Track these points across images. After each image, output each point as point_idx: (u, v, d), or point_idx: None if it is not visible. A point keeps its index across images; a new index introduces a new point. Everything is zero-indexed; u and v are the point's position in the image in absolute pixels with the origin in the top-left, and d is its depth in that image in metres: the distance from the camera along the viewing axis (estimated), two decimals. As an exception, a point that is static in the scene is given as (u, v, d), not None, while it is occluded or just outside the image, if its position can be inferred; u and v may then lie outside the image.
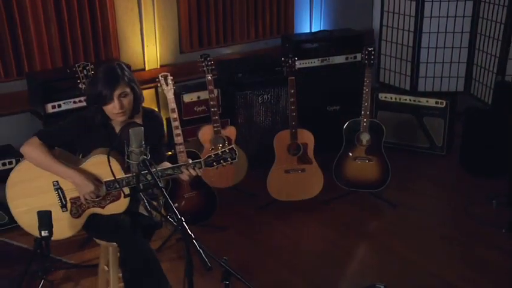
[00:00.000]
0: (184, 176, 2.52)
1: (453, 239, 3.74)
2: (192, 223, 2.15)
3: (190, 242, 2.03)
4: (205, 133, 4.01)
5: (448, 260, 3.51)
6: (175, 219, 2.08)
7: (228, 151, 2.55)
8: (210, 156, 2.54)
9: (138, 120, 2.62)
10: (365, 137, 4.08)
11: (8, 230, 3.81)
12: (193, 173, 2.51)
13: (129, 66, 2.72)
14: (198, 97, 4.37)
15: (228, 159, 2.55)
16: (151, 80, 4.20)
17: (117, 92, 2.51)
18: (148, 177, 2.34)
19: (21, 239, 3.72)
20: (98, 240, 2.72)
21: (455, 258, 3.53)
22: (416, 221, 3.97)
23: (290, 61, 3.95)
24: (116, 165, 2.42)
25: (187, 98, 4.34)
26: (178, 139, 3.64)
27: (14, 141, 3.81)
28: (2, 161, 3.73)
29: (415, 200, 4.24)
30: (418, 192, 4.37)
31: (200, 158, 2.55)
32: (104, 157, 2.33)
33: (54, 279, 3.36)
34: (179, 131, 3.65)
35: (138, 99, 2.60)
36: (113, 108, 2.52)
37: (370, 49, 4.04)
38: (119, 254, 2.70)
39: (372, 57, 4.03)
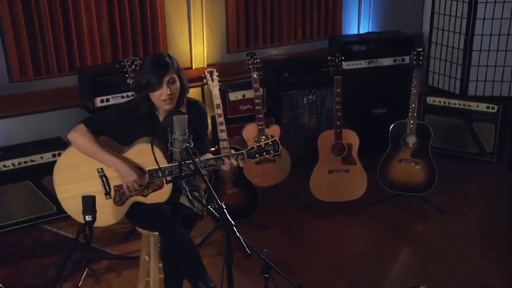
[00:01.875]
0: (226, 166, 2.52)
1: (499, 247, 3.62)
2: (233, 219, 2.13)
3: (231, 230, 2.02)
4: (250, 131, 4.01)
5: (491, 266, 3.40)
6: (216, 206, 2.08)
7: (271, 143, 2.54)
8: (253, 148, 2.54)
9: (183, 110, 2.64)
10: (411, 140, 4.00)
11: (56, 220, 3.92)
12: (234, 163, 2.51)
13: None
14: (244, 96, 4.39)
15: (271, 151, 2.54)
16: (198, 79, 4.24)
17: (166, 78, 2.54)
18: (191, 166, 2.36)
19: (68, 229, 3.83)
20: (139, 229, 2.75)
21: (499, 265, 3.42)
22: (462, 227, 3.86)
23: (337, 60, 3.92)
24: (159, 153, 2.45)
25: (233, 96, 4.37)
26: (223, 135, 3.66)
27: (64, 134, 3.91)
28: (52, 153, 3.84)
29: (462, 206, 4.12)
30: (466, 198, 4.24)
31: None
32: (148, 146, 2.36)
33: (97, 269, 3.42)
34: (223, 127, 3.67)
35: (184, 89, 2.63)
36: (160, 95, 2.55)
37: (419, 49, 3.96)
38: (159, 245, 2.72)
39: (421, 58, 3.95)
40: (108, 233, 3.81)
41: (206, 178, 2.19)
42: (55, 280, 3.09)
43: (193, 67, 4.63)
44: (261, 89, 4.03)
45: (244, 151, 2.54)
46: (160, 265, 2.79)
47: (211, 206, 2.24)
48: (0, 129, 4.03)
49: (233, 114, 4.38)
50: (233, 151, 2.57)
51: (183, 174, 2.24)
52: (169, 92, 2.54)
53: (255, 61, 3.97)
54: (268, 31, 4.89)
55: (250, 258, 2.16)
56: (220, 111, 3.68)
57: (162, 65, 2.54)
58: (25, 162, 3.77)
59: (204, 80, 3.76)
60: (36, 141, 3.98)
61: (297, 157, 4.31)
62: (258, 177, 4.01)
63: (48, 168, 3.66)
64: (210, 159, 2.53)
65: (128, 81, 3.71)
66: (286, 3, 4.86)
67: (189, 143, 2.25)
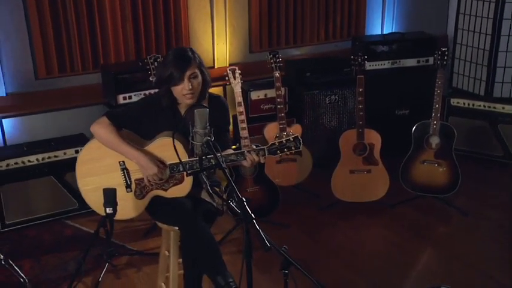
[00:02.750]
0: (247, 161, 2.51)
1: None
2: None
3: (251, 223, 2.01)
4: (271, 130, 4.00)
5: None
6: (237, 200, 2.07)
7: (292, 140, 2.52)
8: (274, 144, 2.53)
9: (204, 104, 2.64)
10: (435, 140, 3.95)
11: (78, 215, 3.96)
12: (255, 158, 2.50)
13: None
14: (265, 95, 4.39)
15: (292, 148, 2.53)
16: (220, 78, 4.24)
17: (188, 73, 2.54)
18: (212, 161, 2.36)
19: (90, 224, 3.86)
20: (159, 224, 2.75)
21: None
22: (486, 230, 3.79)
23: (360, 59, 3.89)
24: (180, 147, 2.45)
25: (255, 95, 4.37)
26: (244, 133, 3.66)
27: (87, 131, 3.95)
28: (75, 149, 3.88)
29: (486, 209, 4.04)
30: (490, 201, 4.17)
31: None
32: (169, 139, 2.36)
33: (118, 264, 3.44)
34: (245, 125, 3.67)
35: (205, 84, 2.63)
36: (182, 89, 2.55)
37: (443, 49, 3.91)
38: (179, 240, 2.72)
39: (446, 57, 3.90)
40: (128, 229, 3.84)
41: (227, 171, 2.18)
42: (75, 273, 3.11)
43: (216, 66, 4.64)
44: (282, 89, 4.01)
45: (265, 147, 2.53)
46: (180, 260, 2.79)
47: (231, 201, 2.23)
48: (25, 126, 4.10)
49: (255, 113, 4.38)
50: (254, 146, 2.56)
51: (203, 167, 2.23)
52: (190, 87, 2.55)
53: (278, 60, 3.95)
54: (291, 31, 4.88)
55: (270, 255, 2.14)
56: (241, 109, 3.68)
57: (184, 59, 2.55)
58: (48, 157, 3.82)
59: (226, 78, 3.76)
60: (59, 138, 4.03)
61: (318, 157, 4.29)
62: (278, 176, 4.00)
63: (71, 164, 3.67)
64: (231, 154, 2.52)
65: (150, 78, 3.73)
66: (309, 3, 4.85)
67: (210, 136, 2.25)
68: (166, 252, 2.91)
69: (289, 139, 2.52)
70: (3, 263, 3.19)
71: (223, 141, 2.66)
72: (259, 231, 2.01)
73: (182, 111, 2.65)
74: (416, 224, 3.88)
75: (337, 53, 4.99)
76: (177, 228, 2.63)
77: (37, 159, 3.79)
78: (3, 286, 3.23)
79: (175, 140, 2.31)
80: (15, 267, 3.20)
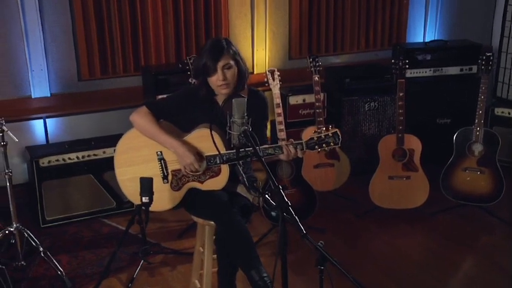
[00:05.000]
0: (284, 154, 2.48)
1: None
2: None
3: (286, 209, 1.98)
4: (309, 134, 3.94)
5: None
6: (273, 186, 2.04)
7: (331, 135, 2.49)
8: (312, 138, 2.50)
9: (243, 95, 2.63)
10: (478, 148, 3.84)
11: (116, 215, 4.00)
12: (293, 151, 2.47)
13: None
14: (304, 100, 4.37)
15: (331, 143, 2.50)
16: (259, 84, 4.24)
17: (220, 63, 2.54)
18: (249, 153, 2.35)
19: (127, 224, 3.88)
20: (195, 218, 2.74)
21: None
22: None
23: (401, 63, 3.83)
24: (217, 139, 2.44)
25: (293, 100, 4.36)
26: (281, 134, 3.64)
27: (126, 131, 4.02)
28: (114, 148, 3.90)
29: (532, 221, 3.91)
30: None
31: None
32: (207, 131, 2.36)
33: (153, 262, 3.45)
34: (283, 127, 3.65)
35: (242, 74, 2.62)
36: (216, 80, 2.55)
37: (488, 54, 3.82)
38: (214, 237, 2.71)
39: (490, 63, 3.81)
40: (164, 229, 3.85)
41: (264, 160, 2.16)
42: (108, 263, 3.14)
43: (255, 72, 4.66)
44: (321, 94, 3.98)
45: (303, 141, 2.51)
46: (215, 256, 2.77)
47: (267, 194, 2.21)
48: (67, 126, 4.19)
49: (293, 118, 4.37)
50: (292, 140, 2.54)
51: (241, 155, 2.22)
52: (224, 77, 2.55)
53: (317, 64, 3.93)
54: (331, 39, 4.86)
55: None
56: (280, 110, 3.66)
57: (217, 49, 2.55)
58: (88, 155, 3.88)
59: (265, 80, 3.76)
60: (99, 137, 4.09)
61: (357, 164, 4.23)
62: (316, 180, 3.95)
63: (109, 163, 3.73)
64: (269, 147, 2.50)
65: (189, 80, 3.76)
66: (350, 11, 4.83)
67: (247, 126, 2.24)
68: (201, 249, 2.90)
69: (328, 134, 2.50)
70: (42, 255, 3.24)
71: (261, 136, 2.64)
72: (295, 218, 1.98)
73: (220, 102, 2.65)
74: (457, 233, 3.77)
75: (377, 62, 4.94)
76: (212, 222, 2.62)
77: (77, 157, 3.85)
78: (42, 278, 3.27)
79: (213, 131, 2.32)
80: (54, 260, 3.26)
